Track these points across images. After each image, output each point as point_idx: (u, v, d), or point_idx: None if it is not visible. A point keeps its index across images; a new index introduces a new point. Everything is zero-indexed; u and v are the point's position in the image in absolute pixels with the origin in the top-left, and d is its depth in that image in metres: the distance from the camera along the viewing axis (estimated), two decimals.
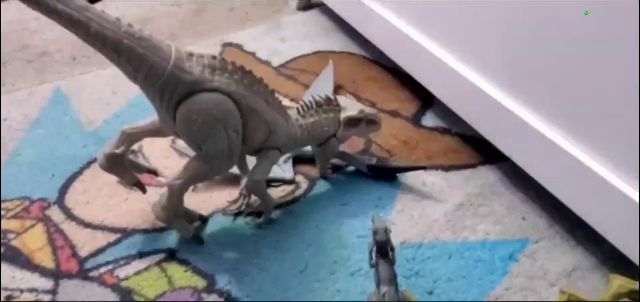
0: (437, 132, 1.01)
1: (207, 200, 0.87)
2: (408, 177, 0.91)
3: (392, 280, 0.64)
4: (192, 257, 0.78)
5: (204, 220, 0.83)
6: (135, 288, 0.75)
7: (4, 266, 0.78)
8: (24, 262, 0.78)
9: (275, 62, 1.21)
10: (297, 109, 0.83)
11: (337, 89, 1.11)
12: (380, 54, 1.14)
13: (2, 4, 1.42)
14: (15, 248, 0.80)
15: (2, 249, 0.80)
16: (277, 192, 0.89)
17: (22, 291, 0.75)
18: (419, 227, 0.83)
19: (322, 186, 0.90)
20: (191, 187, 0.89)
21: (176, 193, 0.75)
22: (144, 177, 0.86)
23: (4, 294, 0.74)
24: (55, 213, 0.85)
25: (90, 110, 1.06)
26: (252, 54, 1.24)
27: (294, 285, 0.75)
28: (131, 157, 0.82)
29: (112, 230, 0.83)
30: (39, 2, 0.64)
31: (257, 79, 0.74)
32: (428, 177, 0.91)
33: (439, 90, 0.99)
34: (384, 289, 0.63)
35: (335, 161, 0.93)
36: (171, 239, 0.81)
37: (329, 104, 0.85)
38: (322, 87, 1.10)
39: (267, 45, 1.27)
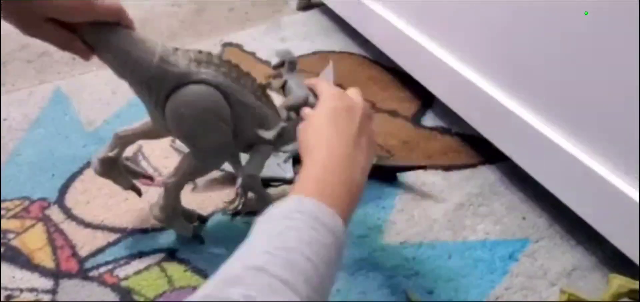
0: (437, 132, 1.01)
1: (207, 200, 0.87)
2: (408, 177, 0.91)
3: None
4: (192, 256, 0.78)
5: (203, 220, 0.83)
6: (135, 288, 0.75)
7: (4, 266, 0.78)
8: (24, 262, 0.78)
9: (276, 62, 1.21)
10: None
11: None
12: (380, 54, 1.14)
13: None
14: (15, 248, 0.80)
15: (2, 249, 0.80)
16: (277, 192, 0.89)
17: (22, 290, 0.75)
18: (419, 227, 0.83)
19: None
20: (191, 187, 0.89)
21: (171, 191, 0.75)
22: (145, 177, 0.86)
23: (4, 294, 0.74)
24: (55, 213, 0.85)
25: (90, 110, 1.06)
26: (252, 54, 1.24)
27: None
28: (127, 162, 0.82)
29: (112, 230, 0.83)
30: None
31: (244, 73, 0.73)
32: (428, 177, 0.91)
33: (439, 90, 0.99)
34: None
35: None
36: (171, 239, 0.81)
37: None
38: None
39: (267, 45, 1.27)
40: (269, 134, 0.75)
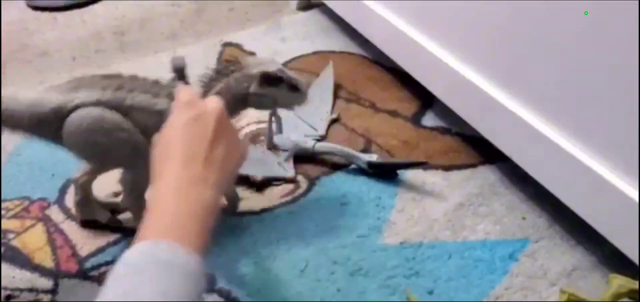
0: (437, 132, 1.01)
1: None
2: (408, 177, 0.91)
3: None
4: None
5: None
6: None
7: (4, 265, 0.78)
8: (24, 262, 0.78)
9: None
10: (199, 84, 0.78)
11: (337, 88, 1.11)
12: (380, 54, 1.14)
13: (2, 3, 1.42)
14: (15, 248, 0.80)
15: (2, 249, 0.80)
16: (277, 191, 0.89)
17: (22, 290, 0.75)
18: (419, 227, 0.83)
19: (322, 186, 0.90)
20: None
21: (135, 211, 0.77)
22: None
23: (4, 293, 0.74)
24: (55, 213, 0.85)
25: None
26: (252, 54, 1.24)
27: (294, 285, 0.75)
28: (101, 197, 0.84)
29: (112, 230, 0.83)
30: None
31: (128, 78, 0.72)
32: (428, 176, 0.91)
33: (439, 90, 0.99)
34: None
35: (335, 159, 0.94)
36: None
37: (227, 68, 0.78)
38: (322, 86, 1.10)
39: (267, 45, 1.27)
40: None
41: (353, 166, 0.93)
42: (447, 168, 0.93)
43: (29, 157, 0.95)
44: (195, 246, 0.50)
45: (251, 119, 1.03)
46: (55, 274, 0.77)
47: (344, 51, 1.24)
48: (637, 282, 0.63)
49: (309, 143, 0.94)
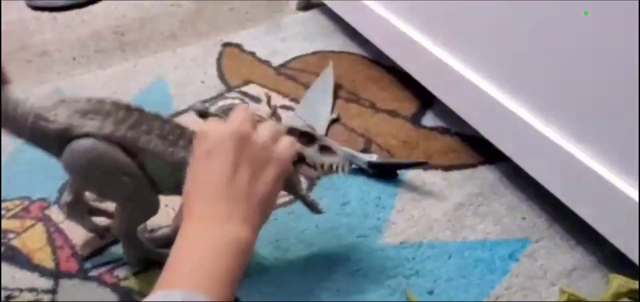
0: (436, 132, 1.01)
1: None
2: (408, 177, 0.91)
3: None
4: None
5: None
6: (135, 288, 0.74)
7: (4, 265, 0.78)
8: (24, 262, 0.78)
9: (275, 62, 1.21)
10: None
11: (337, 88, 1.11)
12: (380, 54, 1.14)
13: (2, 3, 1.42)
14: (15, 248, 0.80)
15: (2, 249, 0.80)
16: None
17: (22, 290, 0.75)
18: (419, 227, 0.83)
19: (322, 186, 0.90)
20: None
21: (128, 242, 0.74)
22: None
23: (4, 293, 0.74)
24: (55, 213, 0.85)
25: None
26: (252, 54, 1.24)
27: (294, 285, 0.75)
28: (93, 202, 0.80)
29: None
30: None
31: (149, 116, 0.66)
32: (428, 176, 0.91)
33: (439, 90, 0.99)
34: None
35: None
36: None
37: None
38: (322, 87, 1.10)
39: (267, 45, 1.27)
40: None
41: (353, 166, 0.93)
42: (447, 168, 0.93)
43: (29, 157, 0.95)
44: (215, 291, 0.46)
45: None
46: (55, 274, 0.77)
47: (344, 51, 1.24)
48: (637, 282, 0.63)
49: None
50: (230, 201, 0.52)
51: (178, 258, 0.50)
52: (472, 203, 0.86)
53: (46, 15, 1.41)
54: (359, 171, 0.92)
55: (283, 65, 1.20)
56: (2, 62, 0.67)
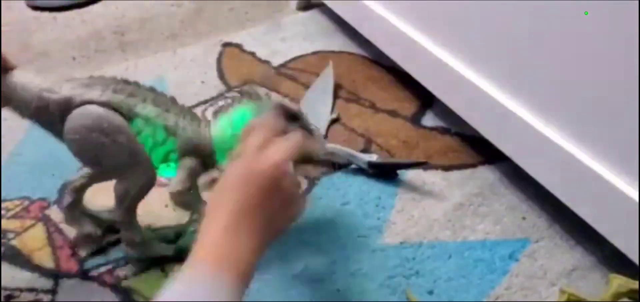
0: (436, 132, 1.01)
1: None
2: (408, 177, 0.91)
3: None
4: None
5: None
6: (135, 288, 0.75)
7: (4, 265, 0.78)
8: (24, 262, 0.78)
9: (275, 62, 1.21)
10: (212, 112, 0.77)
11: (337, 88, 1.11)
12: (380, 54, 1.14)
13: (2, 3, 1.42)
14: (15, 248, 0.80)
15: (2, 249, 0.80)
16: None
17: (22, 290, 0.75)
18: (419, 227, 0.83)
19: (322, 186, 0.90)
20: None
21: (126, 224, 0.75)
22: None
23: (4, 293, 0.74)
24: (55, 213, 0.85)
25: None
26: (252, 54, 1.24)
27: (294, 285, 0.75)
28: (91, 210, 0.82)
29: (112, 230, 0.82)
30: None
31: (144, 88, 0.72)
32: (428, 176, 0.91)
33: (438, 90, 0.99)
34: None
35: (336, 159, 0.93)
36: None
37: (251, 94, 0.76)
38: (322, 87, 1.10)
39: (267, 45, 1.27)
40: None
41: (353, 166, 0.93)
42: (447, 168, 0.93)
43: (29, 157, 0.95)
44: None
45: None
46: (55, 274, 0.77)
47: (344, 51, 1.24)
48: (637, 282, 0.63)
49: None
50: (253, 224, 0.55)
51: (200, 243, 0.52)
52: (472, 203, 0.86)
53: (46, 15, 1.41)
54: (359, 170, 0.92)
55: (283, 65, 1.20)
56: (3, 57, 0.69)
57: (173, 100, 0.74)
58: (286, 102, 0.76)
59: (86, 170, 0.77)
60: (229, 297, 0.49)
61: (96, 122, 0.68)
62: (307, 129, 0.75)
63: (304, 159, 0.73)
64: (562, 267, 0.77)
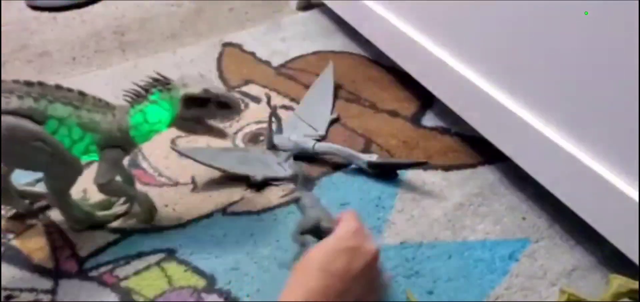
0: (436, 132, 1.01)
1: (207, 199, 0.87)
2: (408, 177, 0.91)
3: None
4: (191, 257, 0.78)
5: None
6: (135, 288, 0.74)
7: (4, 266, 0.78)
8: (23, 262, 0.78)
9: (275, 62, 1.21)
10: (127, 99, 0.79)
11: (337, 88, 1.11)
12: (380, 54, 1.14)
13: (2, 3, 1.42)
14: (15, 248, 0.80)
15: (2, 249, 0.80)
16: (277, 192, 0.89)
17: (22, 290, 0.75)
18: (419, 227, 0.83)
19: (322, 186, 0.90)
20: (191, 188, 0.89)
21: (64, 209, 0.79)
22: (145, 177, 0.86)
23: (4, 294, 0.74)
24: (55, 213, 0.85)
25: None
26: (252, 54, 1.24)
27: None
28: (25, 186, 0.85)
29: (112, 230, 0.83)
30: None
31: (52, 87, 0.73)
32: (428, 176, 0.91)
33: (438, 90, 0.99)
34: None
35: (335, 159, 0.93)
36: (171, 238, 0.81)
37: (163, 84, 0.79)
38: (322, 87, 1.10)
39: (267, 45, 1.27)
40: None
41: (353, 166, 0.93)
42: (447, 168, 0.93)
43: None
44: None
45: (251, 119, 1.03)
46: (55, 274, 0.77)
47: (344, 51, 1.24)
48: (637, 282, 0.63)
49: (309, 143, 0.94)
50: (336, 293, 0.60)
51: None
52: (472, 203, 0.86)
53: (46, 15, 1.41)
54: (359, 170, 0.92)
55: (283, 65, 1.20)
56: (2, 62, 0.69)
57: (82, 94, 0.75)
58: (190, 88, 0.77)
59: None
60: None
61: (11, 133, 0.70)
62: (220, 102, 0.78)
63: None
64: (562, 267, 0.77)
